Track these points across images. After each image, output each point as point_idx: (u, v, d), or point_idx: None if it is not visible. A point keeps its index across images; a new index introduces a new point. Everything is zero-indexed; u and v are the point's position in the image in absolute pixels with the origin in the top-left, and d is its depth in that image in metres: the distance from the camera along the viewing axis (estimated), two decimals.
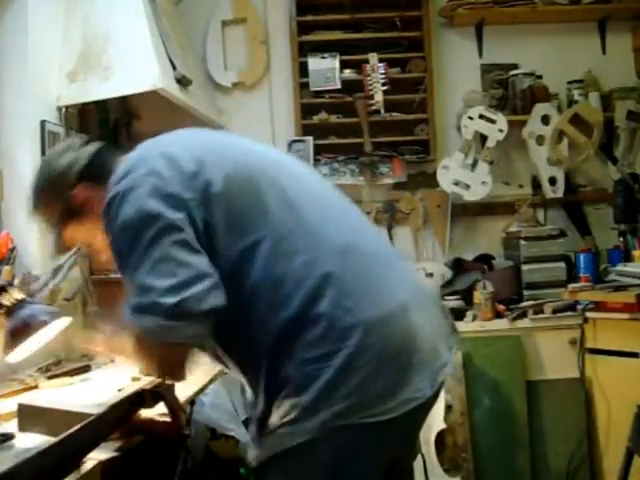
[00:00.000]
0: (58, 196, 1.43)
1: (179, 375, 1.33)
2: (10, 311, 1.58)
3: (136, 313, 1.22)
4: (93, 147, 1.47)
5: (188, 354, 1.28)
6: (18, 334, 1.55)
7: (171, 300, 1.18)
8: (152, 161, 1.29)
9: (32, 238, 2.33)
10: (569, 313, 3.01)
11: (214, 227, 1.26)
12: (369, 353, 1.22)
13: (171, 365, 1.30)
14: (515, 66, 3.61)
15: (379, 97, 3.45)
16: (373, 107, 3.47)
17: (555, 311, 3.03)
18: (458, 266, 3.38)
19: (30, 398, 1.63)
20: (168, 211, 1.23)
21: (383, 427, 1.23)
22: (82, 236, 1.48)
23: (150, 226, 1.22)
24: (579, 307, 2.97)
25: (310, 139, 3.47)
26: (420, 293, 1.40)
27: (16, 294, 1.59)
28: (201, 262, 1.22)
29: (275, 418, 1.26)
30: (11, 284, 1.65)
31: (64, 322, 1.58)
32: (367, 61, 3.47)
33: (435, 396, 1.32)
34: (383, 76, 3.45)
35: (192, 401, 1.64)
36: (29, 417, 1.40)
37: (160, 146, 1.34)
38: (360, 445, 1.25)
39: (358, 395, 1.21)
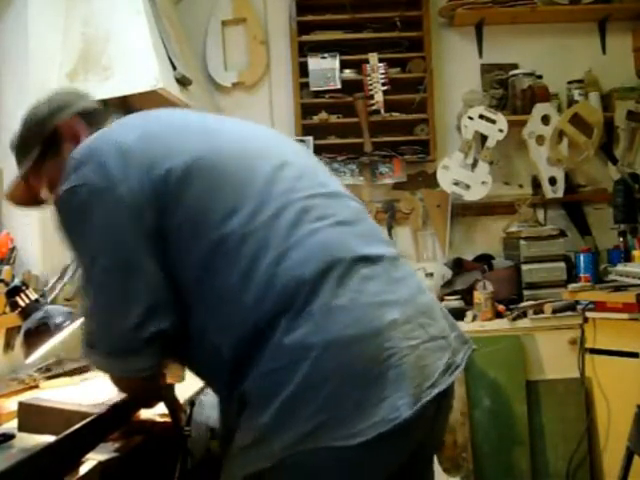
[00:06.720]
0: (49, 120, 1.38)
1: (142, 401, 1.36)
2: (25, 312, 1.58)
3: (86, 347, 1.23)
4: (97, 100, 1.49)
5: (142, 384, 1.26)
6: (35, 337, 1.55)
7: (106, 339, 1.17)
8: (103, 154, 1.17)
9: (32, 238, 2.33)
10: (569, 313, 3.01)
11: (169, 229, 1.14)
12: (333, 365, 1.07)
13: (133, 393, 1.32)
14: (515, 66, 3.61)
15: (379, 97, 3.45)
16: (373, 107, 3.47)
17: (555, 311, 3.03)
18: (458, 266, 3.38)
19: (30, 398, 1.63)
20: (108, 221, 1.14)
21: (353, 452, 1.05)
22: (49, 177, 1.37)
23: (87, 247, 1.17)
24: (579, 307, 2.97)
25: (310, 139, 3.47)
26: (423, 308, 1.21)
27: (31, 294, 1.59)
28: (137, 287, 1.13)
29: (239, 437, 1.12)
30: (26, 285, 1.64)
31: (79, 323, 1.58)
32: (367, 61, 3.47)
33: (424, 417, 1.11)
34: (383, 76, 3.45)
35: (192, 401, 1.64)
36: (29, 415, 1.40)
37: (115, 134, 1.23)
38: (334, 472, 1.08)
39: (324, 414, 1.05)
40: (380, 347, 1.09)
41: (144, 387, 1.30)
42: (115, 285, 1.15)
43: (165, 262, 1.15)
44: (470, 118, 3.37)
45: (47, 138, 1.38)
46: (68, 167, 1.20)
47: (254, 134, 1.34)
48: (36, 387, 1.87)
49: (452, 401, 1.28)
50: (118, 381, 1.29)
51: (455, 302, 3.13)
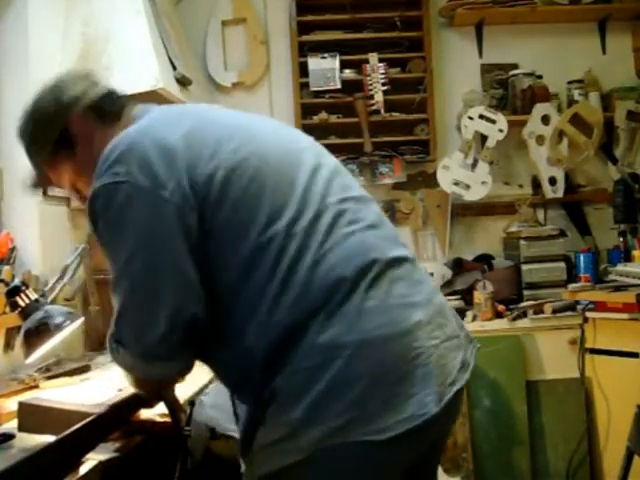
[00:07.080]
0: (58, 118, 1.31)
1: (153, 398, 1.38)
2: (25, 312, 1.58)
3: (113, 343, 1.21)
4: (109, 86, 1.39)
5: (161, 384, 1.31)
6: (35, 337, 1.54)
7: (139, 341, 1.17)
8: (145, 151, 1.13)
9: (32, 238, 2.33)
10: (569, 313, 3.01)
11: (213, 229, 1.14)
12: (366, 362, 1.10)
13: (145, 391, 1.34)
14: (515, 66, 3.61)
15: (379, 97, 3.45)
16: (373, 107, 3.47)
17: (555, 311, 3.03)
18: (458, 266, 3.38)
19: (30, 398, 1.63)
20: (150, 221, 1.12)
21: (382, 447, 1.09)
22: (66, 173, 1.35)
23: (125, 245, 1.14)
24: (579, 307, 2.97)
25: None
26: (439, 308, 1.26)
27: (31, 294, 1.58)
28: (172, 290, 1.13)
29: (263, 435, 1.14)
30: (26, 284, 1.64)
31: (79, 323, 1.58)
32: (367, 61, 3.47)
33: (446, 414, 1.16)
34: (383, 76, 3.45)
35: (192, 401, 1.64)
36: (29, 415, 1.40)
37: (156, 131, 1.19)
38: (362, 466, 1.11)
39: (356, 410, 1.08)
40: (409, 346, 1.14)
41: (161, 387, 1.32)
42: (151, 286, 1.14)
43: (206, 262, 1.15)
44: (470, 118, 3.37)
45: (58, 139, 1.32)
46: (103, 161, 1.16)
47: (289, 133, 1.37)
48: (36, 387, 1.87)
49: (462, 399, 1.32)
50: (137, 380, 1.28)
51: (455, 302, 3.13)
